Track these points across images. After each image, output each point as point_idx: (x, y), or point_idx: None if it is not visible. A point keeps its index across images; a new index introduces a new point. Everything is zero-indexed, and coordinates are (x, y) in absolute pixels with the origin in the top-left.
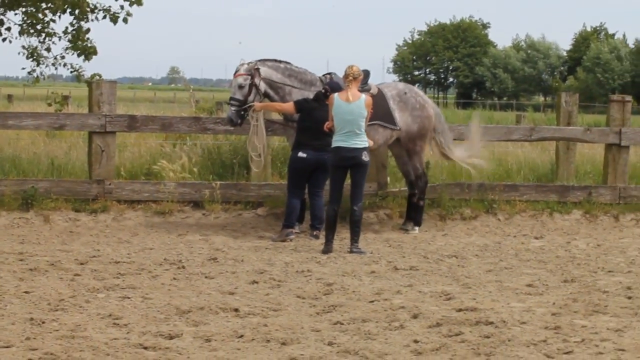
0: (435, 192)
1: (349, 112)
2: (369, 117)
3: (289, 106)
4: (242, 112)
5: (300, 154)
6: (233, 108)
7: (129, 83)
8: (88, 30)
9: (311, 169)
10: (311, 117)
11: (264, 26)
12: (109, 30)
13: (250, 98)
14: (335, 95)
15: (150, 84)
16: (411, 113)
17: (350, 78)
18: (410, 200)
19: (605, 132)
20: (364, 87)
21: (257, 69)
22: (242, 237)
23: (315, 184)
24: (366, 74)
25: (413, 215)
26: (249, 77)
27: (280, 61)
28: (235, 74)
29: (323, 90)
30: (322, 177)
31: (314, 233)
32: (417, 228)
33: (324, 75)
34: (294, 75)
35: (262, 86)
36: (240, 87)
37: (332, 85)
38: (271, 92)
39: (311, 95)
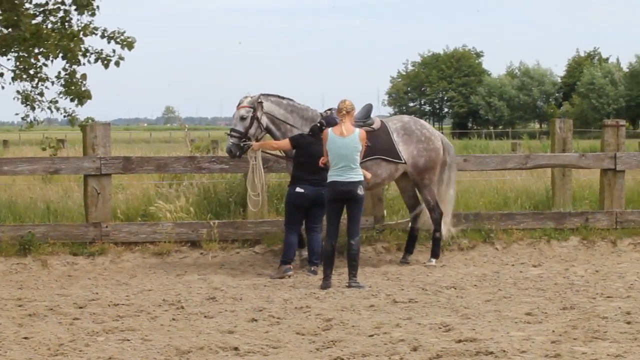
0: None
1: (344, 146)
2: (363, 151)
3: (285, 143)
4: (242, 145)
5: (298, 189)
6: (233, 140)
7: (124, 124)
8: (84, 75)
9: (308, 204)
10: (307, 152)
11: (258, 61)
12: (103, 72)
13: (252, 131)
14: (329, 130)
15: (145, 124)
16: (416, 146)
17: (344, 112)
18: (412, 232)
19: (600, 157)
20: (366, 122)
21: (260, 103)
22: (241, 275)
23: (312, 219)
24: (369, 107)
25: (431, 247)
26: (252, 109)
27: (283, 97)
28: (238, 106)
29: (319, 124)
30: (319, 212)
31: (312, 268)
32: (433, 260)
33: (325, 111)
34: (296, 112)
35: (264, 120)
36: (242, 118)
37: (328, 120)
38: (273, 128)
39: None
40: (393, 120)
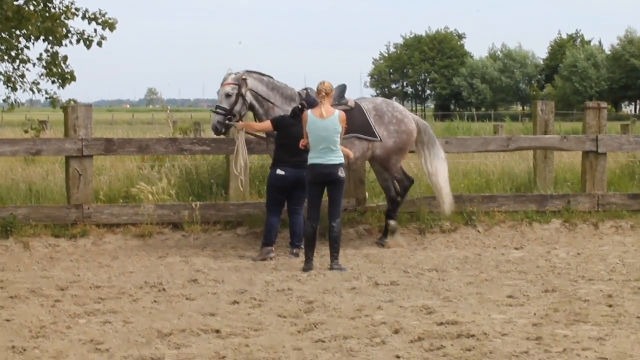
0: (414, 206)
1: (324, 128)
2: (343, 132)
3: (266, 125)
4: (227, 122)
5: (279, 172)
6: (219, 117)
7: (107, 106)
8: (66, 57)
9: (290, 187)
10: (289, 134)
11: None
12: (85, 53)
13: (237, 108)
14: (309, 112)
15: (128, 106)
16: (387, 127)
17: (323, 94)
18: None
19: (582, 139)
20: (341, 102)
21: (245, 80)
22: (223, 257)
23: (294, 201)
24: (342, 88)
25: (391, 210)
26: (237, 86)
27: (264, 74)
28: (223, 83)
29: (300, 106)
30: (301, 195)
31: (294, 251)
32: (392, 222)
33: (302, 90)
34: (276, 90)
35: (249, 97)
36: (228, 96)
37: (309, 101)
38: (257, 105)
39: (291, 110)
40: (366, 101)
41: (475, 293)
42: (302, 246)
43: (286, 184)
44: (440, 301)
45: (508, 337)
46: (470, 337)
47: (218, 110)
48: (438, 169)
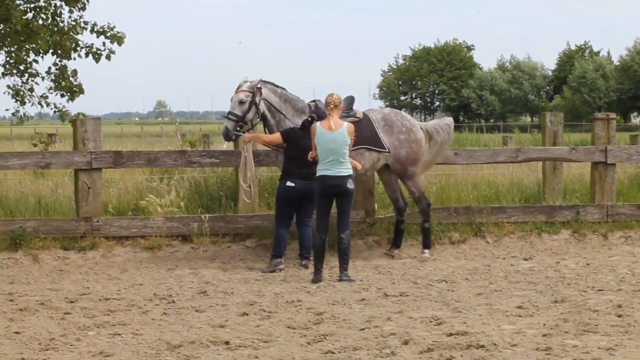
0: None
1: (332, 140)
2: (352, 144)
3: (276, 137)
4: (238, 129)
5: (289, 183)
6: (230, 123)
7: (115, 119)
8: (75, 71)
9: (299, 199)
10: (298, 146)
11: (250, 54)
12: (94, 67)
13: (249, 116)
14: (317, 124)
15: (137, 118)
16: (397, 137)
17: (332, 106)
18: (398, 226)
19: (591, 150)
20: (349, 113)
21: (259, 88)
22: (232, 269)
23: (303, 213)
24: (350, 99)
25: (422, 239)
26: (251, 94)
27: (277, 86)
28: (237, 90)
29: (309, 119)
30: (310, 207)
31: (303, 262)
32: (427, 251)
33: (310, 102)
34: (288, 101)
35: (262, 106)
36: (241, 102)
37: (318, 113)
38: (268, 115)
39: (301, 122)
40: (374, 111)
41: (485, 303)
42: (311, 258)
43: (295, 196)
44: (449, 312)
45: (517, 347)
46: (480, 347)
47: (230, 116)
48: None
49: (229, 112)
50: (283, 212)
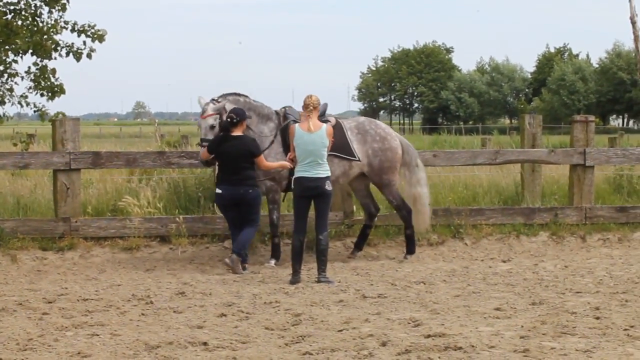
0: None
1: (311, 142)
2: (330, 146)
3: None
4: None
5: (217, 190)
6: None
7: (94, 119)
8: (54, 70)
9: (232, 204)
10: (221, 152)
11: (228, 57)
12: (73, 66)
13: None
14: (296, 125)
15: (116, 119)
16: (371, 145)
17: (311, 108)
18: (364, 230)
19: (569, 152)
20: (321, 120)
21: (224, 107)
22: (210, 270)
23: (241, 219)
24: (323, 107)
25: (405, 245)
26: (218, 115)
27: (240, 94)
28: (204, 115)
29: (228, 119)
30: (246, 211)
31: (231, 256)
32: (409, 257)
33: (280, 108)
34: (252, 109)
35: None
36: (212, 127)
37: (236, 111)
38: None
39: (267, 129)
40: (348, 120)
41: (463, 305)
42: (237, 252)
43: (224, 202)
44: (427, 313)
45: (495, 349)
46: (458, 349)
47: (203, 144)
48: (421, 194)
49: (202, 139)
50: (225, 218)
